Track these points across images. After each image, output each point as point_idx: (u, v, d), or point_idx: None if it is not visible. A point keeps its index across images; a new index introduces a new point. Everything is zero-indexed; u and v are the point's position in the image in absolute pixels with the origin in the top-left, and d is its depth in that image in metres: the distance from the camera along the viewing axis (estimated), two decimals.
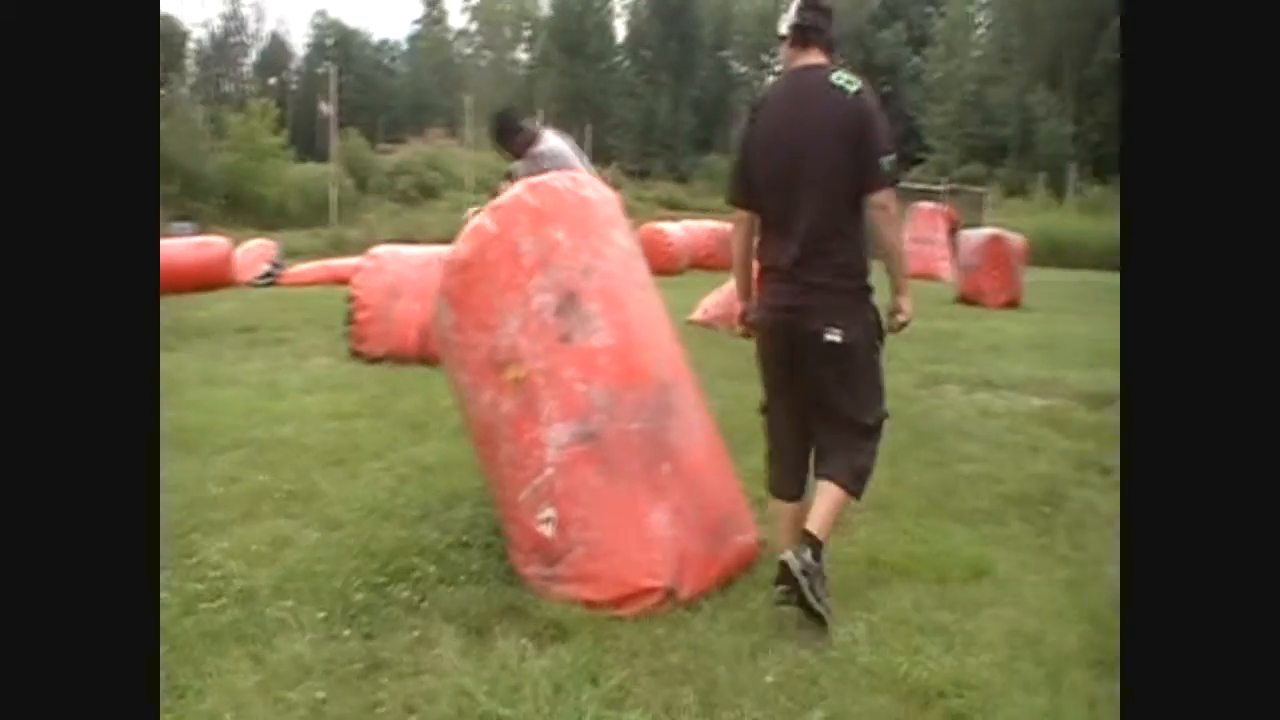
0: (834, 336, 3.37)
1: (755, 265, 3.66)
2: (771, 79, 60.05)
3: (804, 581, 3.27)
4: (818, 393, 3.52)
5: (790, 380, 3.57)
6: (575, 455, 3.50)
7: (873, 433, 3.58)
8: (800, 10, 3.52)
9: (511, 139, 5.98)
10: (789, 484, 3.71)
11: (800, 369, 3.50)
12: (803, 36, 3.54)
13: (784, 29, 3.58)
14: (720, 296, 11.23)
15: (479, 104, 36.30)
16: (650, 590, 3.43)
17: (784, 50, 3.62)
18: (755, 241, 3.62)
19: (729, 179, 3.72)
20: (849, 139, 3.33)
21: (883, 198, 3.35)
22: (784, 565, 3.31)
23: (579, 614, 3.37)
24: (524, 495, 3.57)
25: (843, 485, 3.50)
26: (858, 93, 3.37)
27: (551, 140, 5.84)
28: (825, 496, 3.48)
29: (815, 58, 3.54)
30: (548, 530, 3.52)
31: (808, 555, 3.32)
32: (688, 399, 3.88)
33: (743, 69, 65.24)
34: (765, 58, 64.37)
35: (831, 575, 3.52)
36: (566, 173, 4.36)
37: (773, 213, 3.50)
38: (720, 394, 6.83)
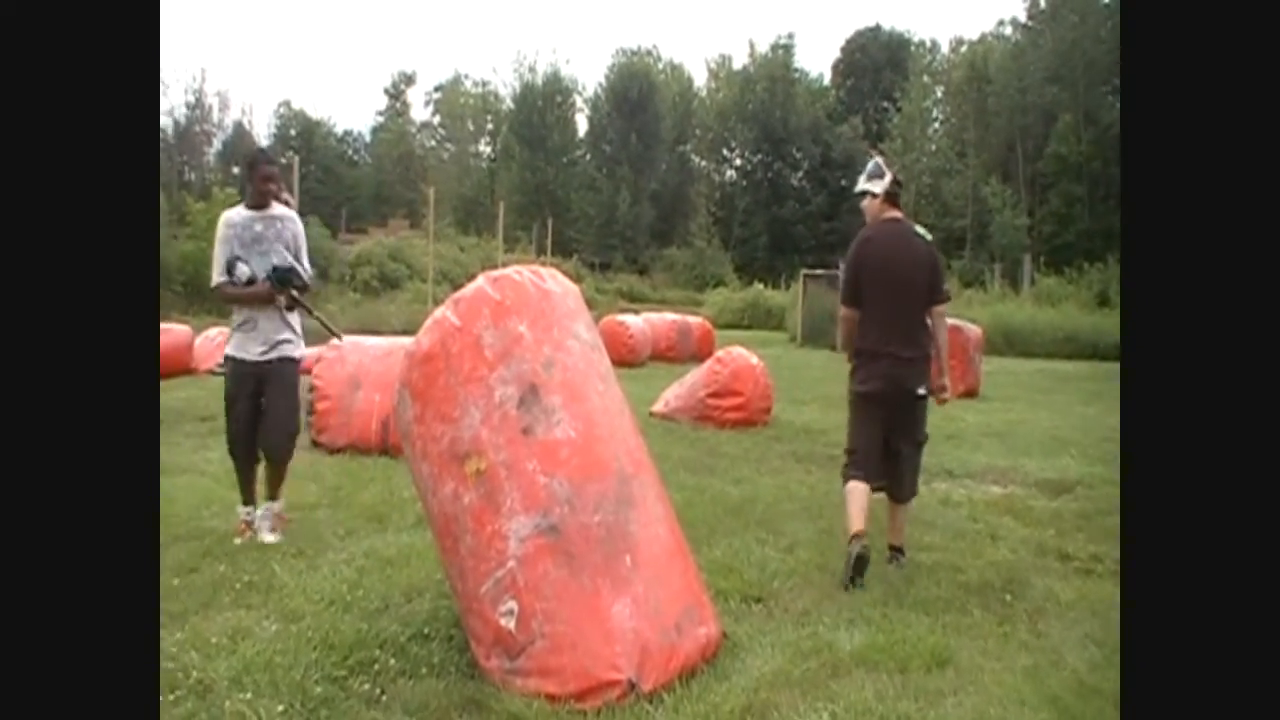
0: (921, 391, 5.34)
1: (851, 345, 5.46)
2: (731, 172, 60.75)
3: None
4: (905, 425, 5.34)
5: (886, 419, 5.30)
6: (537, 547, 3.50)
7: (924, 444, 5.58)
8: (892, 182, 5.45)
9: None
10: (874, 478, 5.25)
11: (896, 412, 5.31)
12: (893, 199, 5.48)
13: (876, 190, 5.44)
14: (681, 389, 11.29)
15: (441, 195, 36.58)
16: (612, 683, 3.41)
17: (873, 203, 5.47)
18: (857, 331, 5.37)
19: (845, 288, 5.52)
20: (927, 270, 5.34)
21: (943, 308, 5.49)
22: (863, 559, 4.94)
23: (540, 708, 3.34)
24: (485, 587, 3.56)
25: (907, 502, 5.48)
26: (929, 242, 5.46)
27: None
28: (900, 515, 5.48)
29: (896, 213, 5.50)
30: (509, 623, 3.50)
31: (900, 558, 5.40)
32: (649, 490, 3.90)
33: (702, 162, 66.27)
34: (725, 152, 65.56)
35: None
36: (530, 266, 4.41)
37: (881, 314, 5.27)
38: (681, 485, 6.88)
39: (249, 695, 3.41)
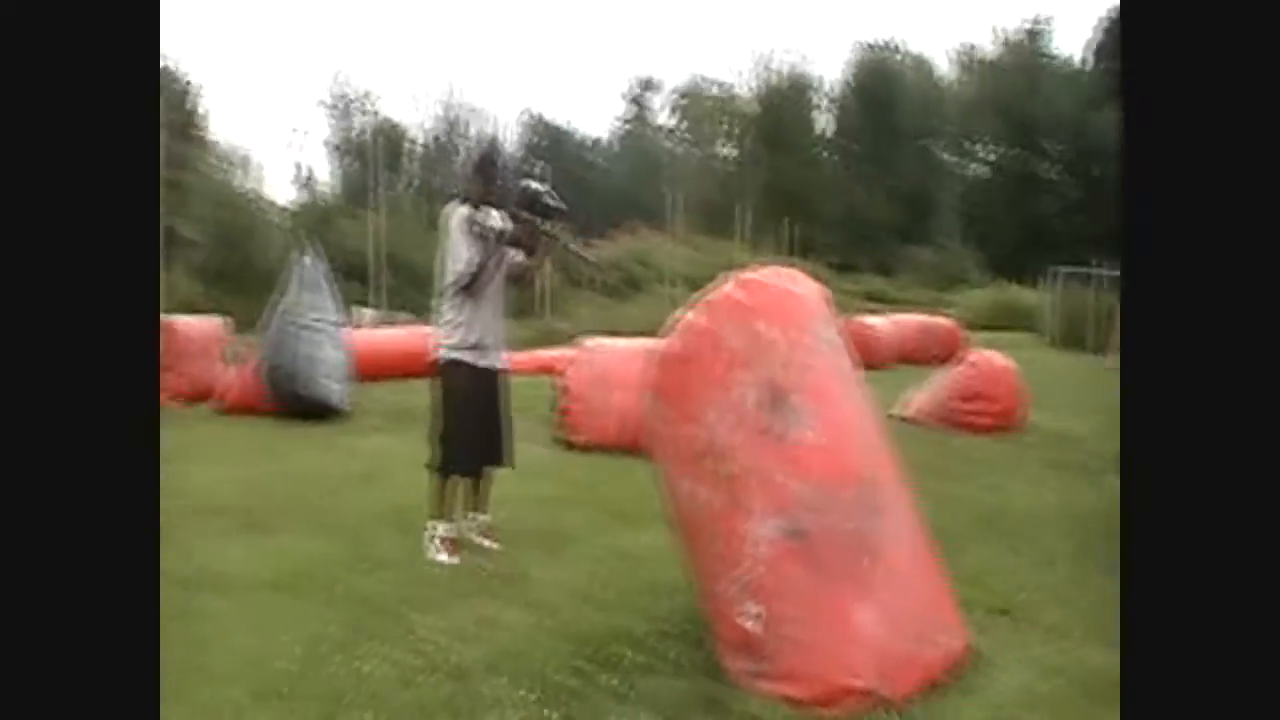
0: None
1: None
2: (979, 167, 58.78)
3: None
4: None
5: None
6: (782, 551, 3.50)
7: None
8: None
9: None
10: None
11: None
12: None
13: None
14: (928, 392, 11.00)
15: (684, 199, 37.01)
16: (852, 690, 3.37)
17: None
18: None
19: None
20: None
21: None
22: None
23: (782, 711, 3.35)
24: (730, 589, 3.58)
25: None
26: None
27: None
28: None
29: None
30: (754, 626, 3.51)
31: None
32: (896, 498, 3.83)
33: (949, 158, 64.36)
34: (973, 145, 63.42)
35: None
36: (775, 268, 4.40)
37: None
38: (929, 492, 6.66)
39: (504, 680, 3.56)
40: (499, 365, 5.52)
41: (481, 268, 5.24)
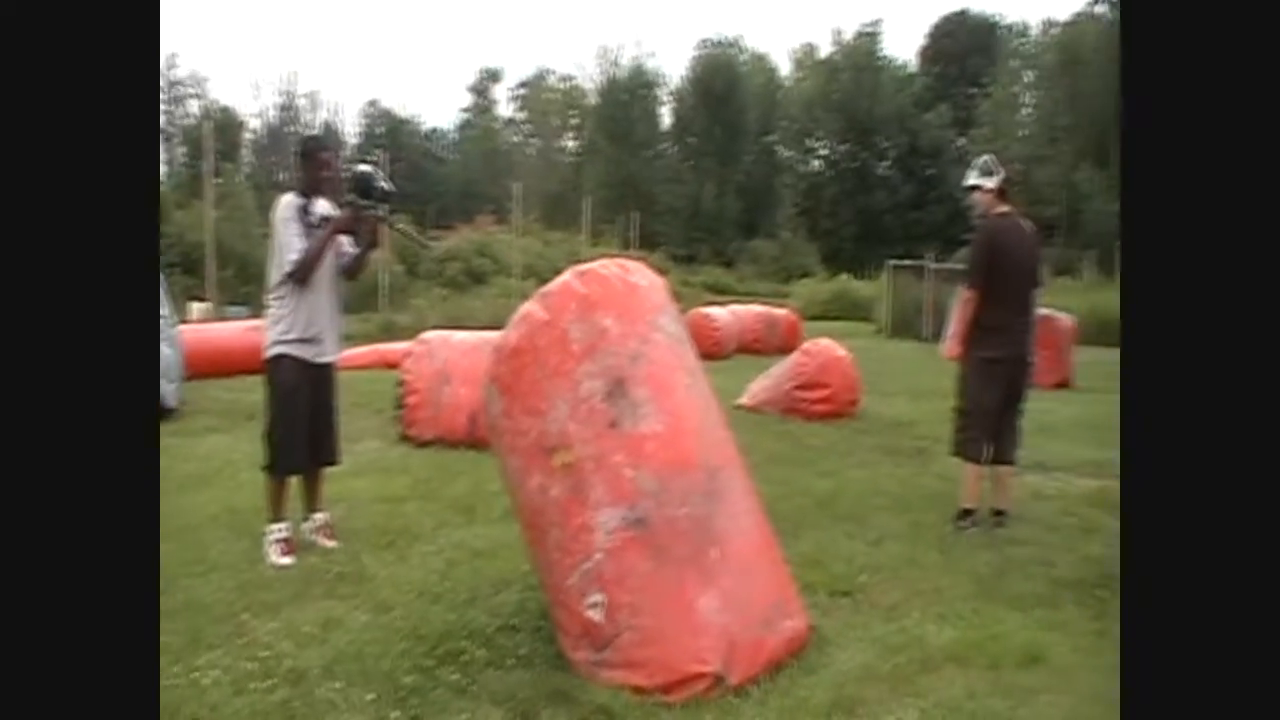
0: (1031, 359, 6.20)
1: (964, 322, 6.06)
2: (816, 163, 60.04)
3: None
4: (1020, 389, 6.13)
5: (1010, 380, 6.05)
6: (624, 540, 3.52)
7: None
8: (1003, 179, 6.12)
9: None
10: (988, 436, 6.07)
11: (1015, 377, 6.07)
12: (1003, 194, 6.15)
13: (990, 185, 6.10)
14: (768, 381, 11.23)
15: (527, 191, 36.86)
16: (699, 676, 3.42)
17: (986, 198, 6.13)
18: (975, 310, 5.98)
19: (976, 273, 6.01)
20: (1039, 258, 6.28)
21: (1041, 290, 6.32)
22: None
23: (627, 700, 3.36)
24: (573, 580, 3.59)
25: (1015, 461, 6.28)
26: (1035, 231, 6.27)
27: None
28: (1007, 478, 6.22)
29: (1007, 206, 6.16)
30: (597, 615, 3.52)
31: (1004, 520, 6.09)
32: (736, 484, 3.89)
33: (787, 153, 65.78)
34: (811, 142, 64.95)
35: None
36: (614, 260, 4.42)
37: (1009, 295, 6.00)
38: (768, 479, 6.83)
39: (340, 684, 3.49)
40: (329, 359, 5.36)
41: (308, 256, 5.10)
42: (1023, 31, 63.89)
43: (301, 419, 5.25)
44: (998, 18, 65.43)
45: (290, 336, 5.18)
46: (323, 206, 5.27)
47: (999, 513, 6.11)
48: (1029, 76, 56.78)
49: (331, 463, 5.56)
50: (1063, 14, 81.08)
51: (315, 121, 60.95)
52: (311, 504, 5.49)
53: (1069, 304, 20.38)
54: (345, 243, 5.32)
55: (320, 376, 5.33)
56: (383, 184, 5.22)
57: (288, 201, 5.20)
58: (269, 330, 5.23)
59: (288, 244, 5.12)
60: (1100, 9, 50.68)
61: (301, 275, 5.12)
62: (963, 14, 65.83)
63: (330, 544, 5.35)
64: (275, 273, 5.18)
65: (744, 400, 11.16)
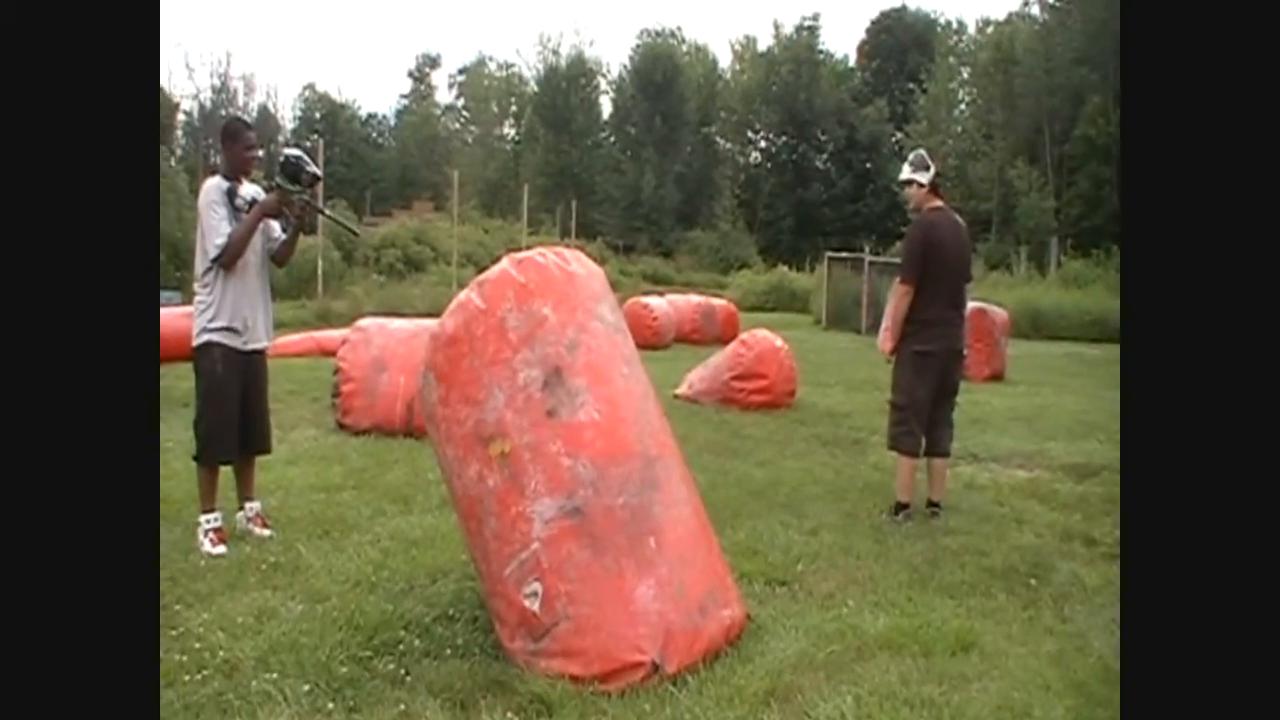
0: (966, 351, 6.46)
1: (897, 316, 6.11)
2: (755, 155, 60.24)
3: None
4: (953, 381, 6.22)
5: (942, 372, 6.10)
6: (561, 529, 3.51)
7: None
8: (936, 174, 6.17)
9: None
10: (921, 428, 6.11)
11: (951, 364, 6.16)
12: (936, 189, 6.21)
13: (923, 180, 6.13)
14: (705, 371, 11.27)
15: (465, 178, 36.61)
16: (636, 665, 3.43)
17: (919, 193, 6.16)
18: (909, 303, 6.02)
19: (910, 267, 6.06)
20: (970, 252, 6.41)
21: (971, 284, 6.40)
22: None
23: (564, 689, 3.36)
24: (510, 569, 3.57)
25: (949, 454, 6.43)
26: (966, 225, 6.34)
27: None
28: (941, 470, 6.30)
29: (940, 201, 6.23)
30: (533, 605, 3.51)
31: (939, 512, 6.16)
32: (673, 473, 3.90)
33: (727, 145, 65.98)
34: (750, 134, 65.19)
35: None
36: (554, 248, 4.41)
37: (942, 288, 6.04)
38: (705, 468, 6.87)
39: (275, 675, 3.44)
40: (259, 346, 5.29)
41: (234, 240, 5.02)
42: (959, 29, 64.63)
43: (231, 408, 5.17)
44: (935, 15, 66.16)
45: (218, 324, 5.10)
46: (249, 190, 5.20)
47: (934, 504, 6.19)
48: (965, 74, 57.45)
49: (263, 451, 5.50)
50: (998, 13, 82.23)
51: (251, 105, 59.95)
52: (244, 493, 5.41)
53: (1002, 298, 20.71)
54: (274, 227, 5.25)
55: (250, 364, 5.25)
56: (310, 168, 5.14)
57: (213, 185, 5.12)
58: (197, 318, 5.13)
59: (213, 228, 5.03)
60: (1034, 10, 51.44)
61: (228, 260, 5.04)
62: (901, 10, 66.44)
63: (265, 533, 5.28)
64: (201, 258, 5.09)
65: (682, 390, 11.20)
